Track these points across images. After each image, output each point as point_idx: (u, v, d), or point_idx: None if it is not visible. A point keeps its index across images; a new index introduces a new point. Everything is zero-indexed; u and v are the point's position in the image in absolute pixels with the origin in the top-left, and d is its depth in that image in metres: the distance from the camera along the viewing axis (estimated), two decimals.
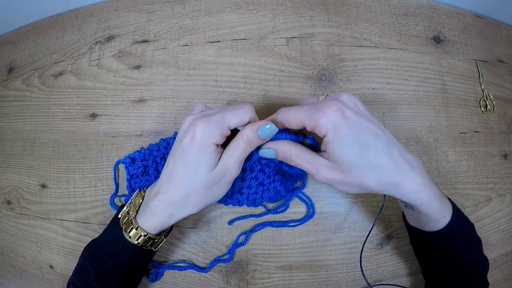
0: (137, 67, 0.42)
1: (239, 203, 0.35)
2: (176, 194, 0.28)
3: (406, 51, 0.42)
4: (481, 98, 0.43)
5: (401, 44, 0.42)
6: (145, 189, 0.32)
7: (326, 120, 0.24)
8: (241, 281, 0.38)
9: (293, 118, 0.26)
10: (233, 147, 0.27)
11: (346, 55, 0.41)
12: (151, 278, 0.38)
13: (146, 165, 0.37)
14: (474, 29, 0.46)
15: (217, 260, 0.38)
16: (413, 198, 0.26)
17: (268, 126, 0.26)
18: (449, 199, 0.31)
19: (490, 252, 0.41)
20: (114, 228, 0.30)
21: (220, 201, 0.34)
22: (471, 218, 0.41)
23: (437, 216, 0.28)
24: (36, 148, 0.44)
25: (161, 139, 0.38)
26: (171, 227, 0.33)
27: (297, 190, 0.38)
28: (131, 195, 0.36)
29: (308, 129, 0.26)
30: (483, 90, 0.44)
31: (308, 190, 0.39)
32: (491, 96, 0.44)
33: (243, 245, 0.38)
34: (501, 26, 0.47)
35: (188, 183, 0.28)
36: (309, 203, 0.38)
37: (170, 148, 0.37)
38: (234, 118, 0.27)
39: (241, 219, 0.38)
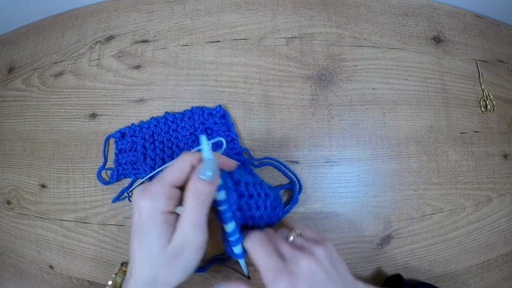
0: (137, 67, 0.42)
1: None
2: (143, 275, 0.24)
3: (406, 51, 0.42)
4: (481, 98, 0.43)
5: (401, 44, 0.42)
6: (126, 264, 0.31)
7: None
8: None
9: (256, 259, 0.25)
10: (185, 209, 0.24)
11: (346, 55, 0.41)
12: None
13: (135, 141, 0.39)
14: (474, 29, 0.46)
15: (215, 260, 0.38)
16: None
17: (204, 164, 0.23)
18: None
19: (490, 252, 0.41)
20: None
21: None
22: (471, 218, 0.41)
23: None
24: (36, 148, 0.44)
25: (152, 117, 0.39)
26: None
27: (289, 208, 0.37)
28: (117, 170, 0.39)
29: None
30: (483, 90, 0.44)
31: (308, 191, 0.39)
32: (491, 96, 0.43)
33: None
34: (501, 26, 0.47)
35: (147, 263, 0.24)
36: (294, 178, 0.38)
37: (160, 127, 0.39)
38: (171, 170, 0.24)
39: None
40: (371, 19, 0.43)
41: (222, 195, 0.26)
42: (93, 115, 0.42)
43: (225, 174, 0.28)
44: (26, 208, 0.43)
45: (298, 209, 0.39)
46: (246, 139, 0.39)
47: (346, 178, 0.39)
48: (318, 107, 0.40)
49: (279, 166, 0.38)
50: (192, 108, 0.39)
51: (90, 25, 0.45)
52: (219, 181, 0.25)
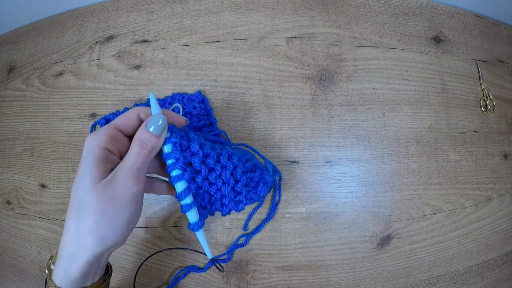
0: (137, 67, 0.42)
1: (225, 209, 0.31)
2: (69, 225, 0.23)
3: (406, 51, 0.42)
4: (481, 98, 0.43)
5: (401, 44, 0.42)
6: None
7: None
8: (241, 281, 0.38)
9: None
10: (128, 152, 0.24)
11: (346, 55, 0.41)
12: None
13: None
14: (474, 29, 0.46)
15: (215, 260, 0.38)
16: None
17: (160, 121, 0.24)
18: None
19: (490, 252, 0.41)
20: None
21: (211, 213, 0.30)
22: (471, 218, 0.41)
23: None
24: (36, 148, 0.44)
25: (135, 103, 0.40)
26: (106, 272, 0.28)
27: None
28: None
29: None
30: (483, 90, 0.44)
31: (308, 191, 0.39)
32: (491, 96, 0.43)
33: (243, 246, 0.38)
34: (501, 26, 0.47)
35: (77, 201, 0.23)
36: (270, 166, 0.36)
37: None
38: (119, 116, 0.25)
39: (250, 218, 0.38)
40: (371, 19, 0.43)
41: (168, 148, 0.25)
42: (93, 115, 0.42)
43: (178, 130, 0.26)
44: (26, 208, 0.43)
45: (298, 209, 0.39)
46: (246, 139, 0.39)
47: (346, 178, 0.39)
48: (318, 107, 0.40)
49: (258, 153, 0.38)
50: (173, 94, 0.40)
51: (90, 25, 0.45)
52: (166, 134, 0.25)
